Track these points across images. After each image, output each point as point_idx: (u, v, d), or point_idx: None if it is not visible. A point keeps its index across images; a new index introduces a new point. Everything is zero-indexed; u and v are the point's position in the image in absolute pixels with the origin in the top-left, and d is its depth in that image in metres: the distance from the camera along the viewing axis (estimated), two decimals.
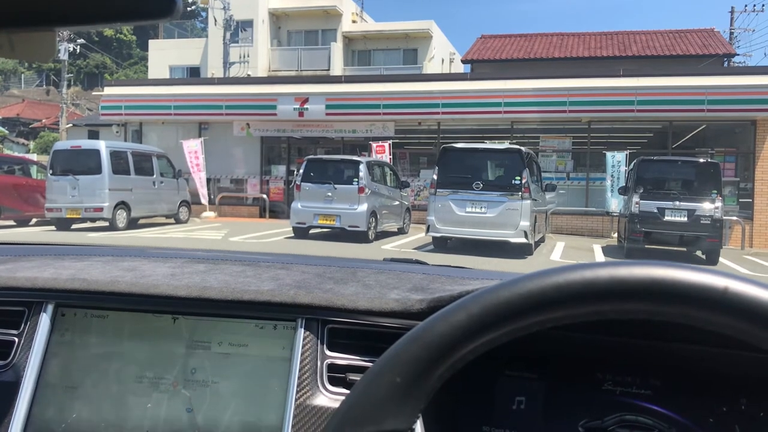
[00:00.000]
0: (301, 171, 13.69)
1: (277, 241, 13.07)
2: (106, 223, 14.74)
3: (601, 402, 0.93)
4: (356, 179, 13.10)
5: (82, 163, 14.61)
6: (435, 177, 11.98)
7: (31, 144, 35.19)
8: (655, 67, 21.06)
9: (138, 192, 15.42)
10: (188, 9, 35.89)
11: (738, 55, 28.51)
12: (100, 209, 14.42)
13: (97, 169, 14.50)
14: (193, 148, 18.40)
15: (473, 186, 11.59)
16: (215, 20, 28.72)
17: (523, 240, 11.42)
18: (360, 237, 13.12)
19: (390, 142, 17.67)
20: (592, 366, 0.95)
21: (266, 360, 1.07)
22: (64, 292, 1.15)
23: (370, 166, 13.66)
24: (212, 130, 19.99)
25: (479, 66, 24.93)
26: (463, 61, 26.77)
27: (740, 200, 16.34)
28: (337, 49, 30.22)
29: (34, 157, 25.50)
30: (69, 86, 33.46)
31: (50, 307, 1.14)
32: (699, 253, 12.78)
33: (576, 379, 0.95)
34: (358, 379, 0.63)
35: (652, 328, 0.91)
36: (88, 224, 15.33)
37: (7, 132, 35.32)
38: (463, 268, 1.50)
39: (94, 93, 29.62)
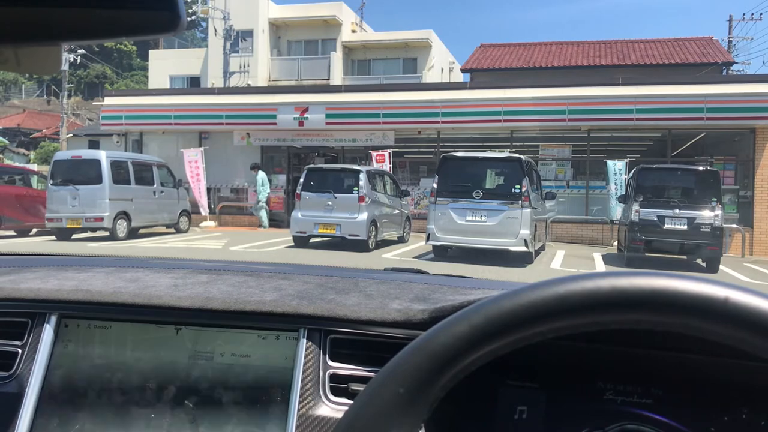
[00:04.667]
0: (301, 180, 13.70)
1: (277, 251, 13.07)
2: (107, 233, 14.74)
3: (603, 411, 0.93)
4: (356, 188, 13.10)
5: (83, 173, 14.62)
6: (435, 186, 11.98)
7: (32, 154, 35.23)
8: (654, 75, 21.11)
9: (138, 202, 15.43)
10: (189, 19, 36.01)
11: (736, 63, 28.59)
12: (101, 219, 14.42)
13: (97, 179, 14.52)
14: (193, 158, 18.42)
15: (473, 195, 11.59)
16: (215, 30, 28.84)
17: (523, 248, 11.42)
18: (360, 246, 13.11)
19: (390, 151, 17.70)
20: (593, 375, 0.95)
21: (269, 370, 1.07)
22: (67, 303, 1.16)
23: (370, 175, 13.67)
24: (212, 139, 20.02)
25: (478, 75, 25.00)
26: (463, 70, 26.84)
27: (740, 208, 16.36)
28: (336, 58, 30.32)
29: (34, 167, 25.54)
30: (69, 96, 33.55)
31: (53, 318, 1.14)
32: (699, 261, 12.77)
33: (577, 388, 0.95)
34: (361, 389, 0.64)
35: (654, 338, 0.91)
36: (89, 234, 15.33)
37: (7, 142, 35.36)
38: (464, 278, 1.50)
39: (94, 103, 29.69)
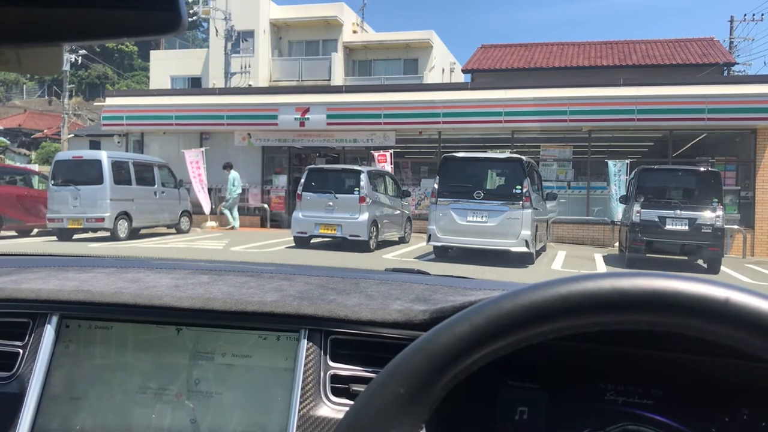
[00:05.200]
0: (302, 180, 13.70)
1: (278, 251, 13.07)
2: (108, 234, 14.75)
3: (604, 412, 0.93)
4: (357, 188, 13.10)
5: (84, 174, 14.63)
6: (436, 186, 11.98)
7: (33, 154, 35.26)
8: (655, 76, 21.10)
9: (139, 202, 15.43)
10: (190, 20, 36.05)
11: (738, 63, 28.58)
12: (102, 219, 14.42)
13: (98, 180, 14.52)
14: (194, 158, 18.42)
15: (474, 195, 11.59)
16: (216, 31, 28.86)
17: (524, 249, 11.41)
18: (361, 246, 13.11)
19: (391, 151, 17.70)
20: (594, 376, 0.95)
21: (269, 371, 1.07)
22: (68, 303, 1.16)
23: (371, 175, 13.66)
24: (213, 140, 20.02)
25: (480, 75, 24.99)
26: (464, 71, 26.84)
27: (741, 209, 16.35)
28: (337, 59, 30.32)
29: (35, 167, 25.54)
30: (70, 97, 33.55)
31: (54, 319, 1.14)
32: (700, 261, 12.76)
33: (578, 388, 0.95)
34: (362, 390, 0.64)
35: (654, 338, 0.91)
36: (90, 234, 15.34)
37: (8, 142, 35.39)
38: (465, 278, 1.50)
39: (95, 103, 29.68)
